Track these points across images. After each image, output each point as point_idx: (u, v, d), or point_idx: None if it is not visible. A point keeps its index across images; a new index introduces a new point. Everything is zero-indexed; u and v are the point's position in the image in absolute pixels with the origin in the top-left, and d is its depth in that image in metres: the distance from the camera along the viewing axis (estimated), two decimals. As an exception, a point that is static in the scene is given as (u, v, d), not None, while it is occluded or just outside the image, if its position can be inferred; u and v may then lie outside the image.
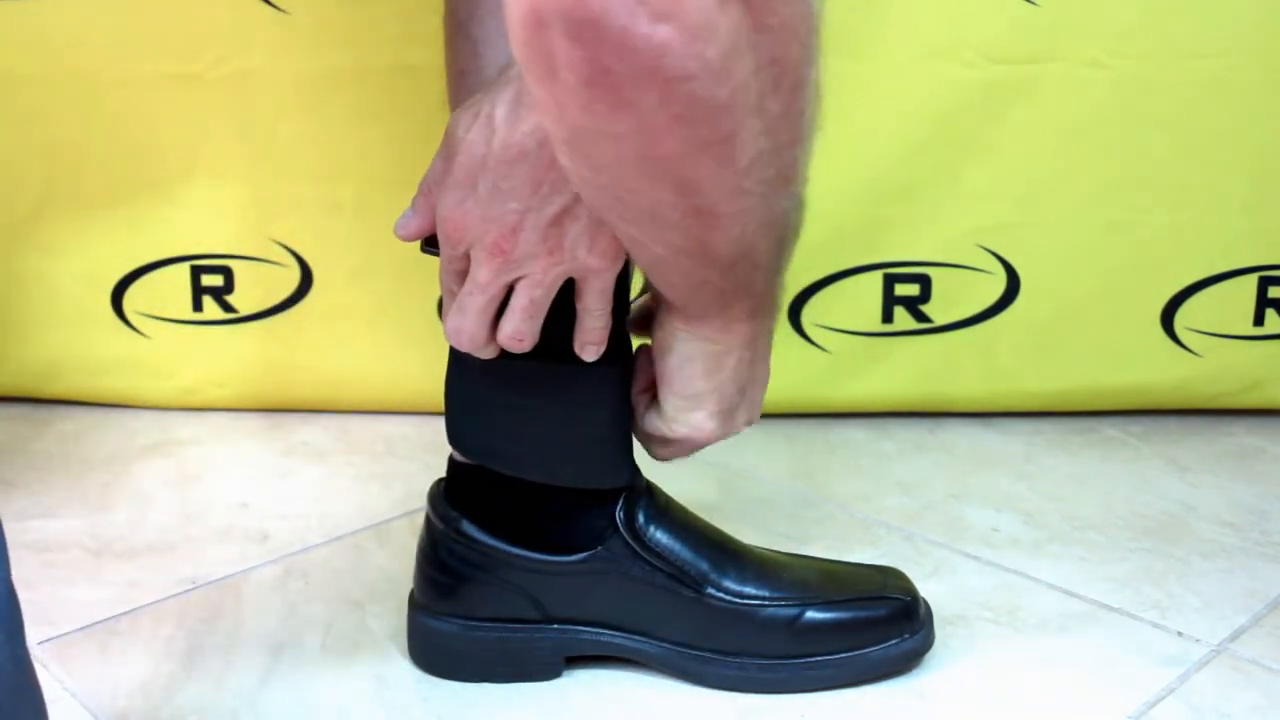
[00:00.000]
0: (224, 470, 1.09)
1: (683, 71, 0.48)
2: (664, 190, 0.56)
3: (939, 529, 0.98)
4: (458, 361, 0.75)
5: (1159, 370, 1.16)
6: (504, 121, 0.62)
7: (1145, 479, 1.07)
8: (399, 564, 0.92)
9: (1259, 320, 1.15)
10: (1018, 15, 1.06)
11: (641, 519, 0.76)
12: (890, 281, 1.14)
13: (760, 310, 0.69)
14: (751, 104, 0.52)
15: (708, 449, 1.05)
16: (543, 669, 0.79)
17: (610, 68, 0.48)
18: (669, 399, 0.72)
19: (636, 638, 0.78)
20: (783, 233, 0.64)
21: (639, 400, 0.75)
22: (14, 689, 0.53)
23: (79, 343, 1.18)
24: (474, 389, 0.75)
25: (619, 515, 0.76)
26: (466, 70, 0.72)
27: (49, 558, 0.94)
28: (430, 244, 0.73)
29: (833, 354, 1.16)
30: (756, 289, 0.67)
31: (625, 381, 0.75)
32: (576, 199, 0.62)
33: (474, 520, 0.78)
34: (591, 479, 0.76)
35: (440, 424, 0.77)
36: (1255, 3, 1.06)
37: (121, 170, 1.13)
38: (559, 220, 0.64)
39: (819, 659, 0.77)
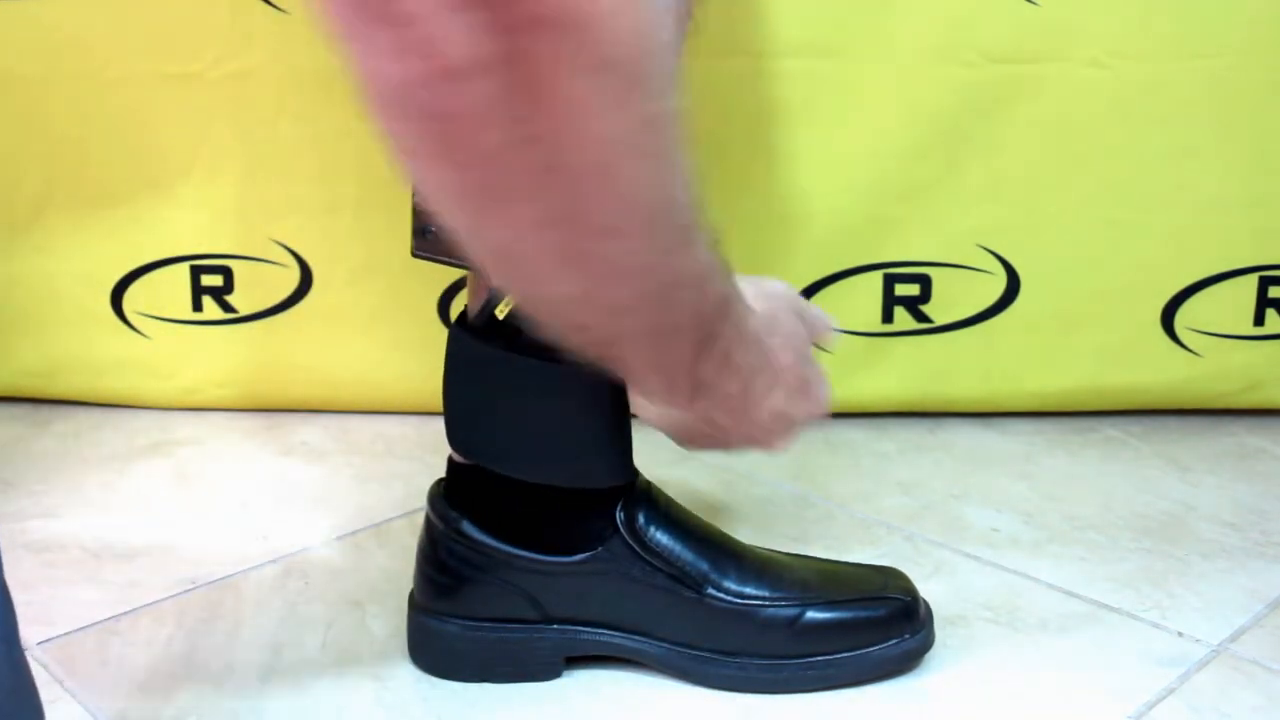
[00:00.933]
0: (224, 470, 1.09)
1: (431, 110, 0.45)
2: (499, 229, 0.51)
3: (939, 529, 0.98)
4: (456, 362, 0.75)
5: (1159, 370, 1.16)
6: None
7: (1145, 479, 1.07)
8: (399, 564, 0.92)
9: (1259, 320, 1.15)
10: (1018, 15, 1.06)
11: (642, 519, 0.76)
12: (890, 281, 1.14)
13: (701, 391, 0.67)
14: (529, 162, 0.47)
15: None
16: (543, 669, 0.79)
17: (369, 96, 0.46)
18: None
19: (636, 638, 0.78)
20: (696, 301, 0.60)
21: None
22: (11, 691, 0.53)
23: (79, 343, 1.18)
24: (472, 390, 0.75)
25: (619, 516, 0.76)
26: None
27: (49, 558, 0.94)
28: (422, 250, 0.73)
29: (833, 354, 1.15)
30: (676, 361, 0.63)
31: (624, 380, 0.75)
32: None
33: (474, 520, 0.78)
34: (591, 479, 0.76)
35: (440, 424, 0.77)
36: (1255, 3, 1.06)
37: (121, 170, 1.13)
38: None
39: (819, 659, 0.77)
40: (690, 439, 0.75)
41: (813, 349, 0.77)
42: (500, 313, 0.72)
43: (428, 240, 0.72)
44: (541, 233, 0.50)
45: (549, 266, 0.52)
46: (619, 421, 0.75)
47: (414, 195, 0.72)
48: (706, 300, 0.61)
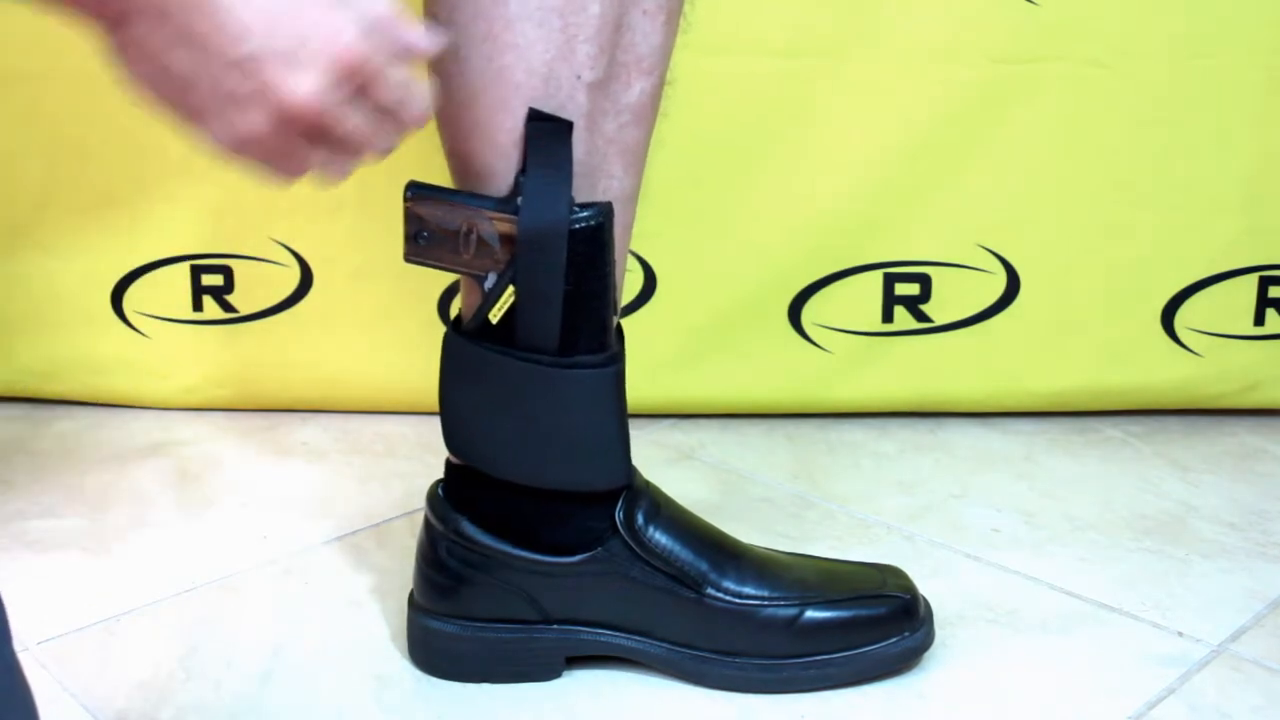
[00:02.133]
0: (224, 470, 1.09)
1: None
2: None
3: (939, 529, 0.98)
4: (450, 367, 0.75)
5: (1159, 370, 1.16)
6: None
7: (1145, 479, 1.07)
8: (399, 564, 0.92)
9: (1259, 320, 1.15)
10: (1018, 15, 1.06)
11: (641, 519, 0.76)
12: (890, 281, 1.14)
13: None
14: None
15: (710, 449, 1.04)
16: (542, 669, 0.79)
17: None
18: None
19: (636, 638, 0.78)
20: None
21: None
22: (4, 692, 0.52)
23: (79, 343, 1.18)
24: (468, 394, 0.75)
25: (618, 516, 0.76)
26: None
27: (49, 558, 0.94)
28: (414, 255, 0.73)
29: (833, 354, 1.16)
30: None
31: (620, 382, 0.74)
32: None
33: (473, 521, 0.78)
34: (588, 482, 0.76)
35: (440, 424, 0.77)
36: (1255, 3, 1.06)
37: (121, 170, 1.13)
38: None
39: (819, 658, 0.77)
40: (166, 95, 0.56)
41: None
42: (494, 316, 0.72)
43: (420, 245, 0.73)
44: None
45: None
46: (616, 424, 0.75)
47: (406, 201, 0.72)
48: None
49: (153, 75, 0.55)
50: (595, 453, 0.75)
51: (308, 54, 0.54)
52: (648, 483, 0.79)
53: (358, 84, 0.55)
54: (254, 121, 0.56)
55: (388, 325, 1.16)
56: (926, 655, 0.80)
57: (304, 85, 0.54)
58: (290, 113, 0.55)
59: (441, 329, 1.16)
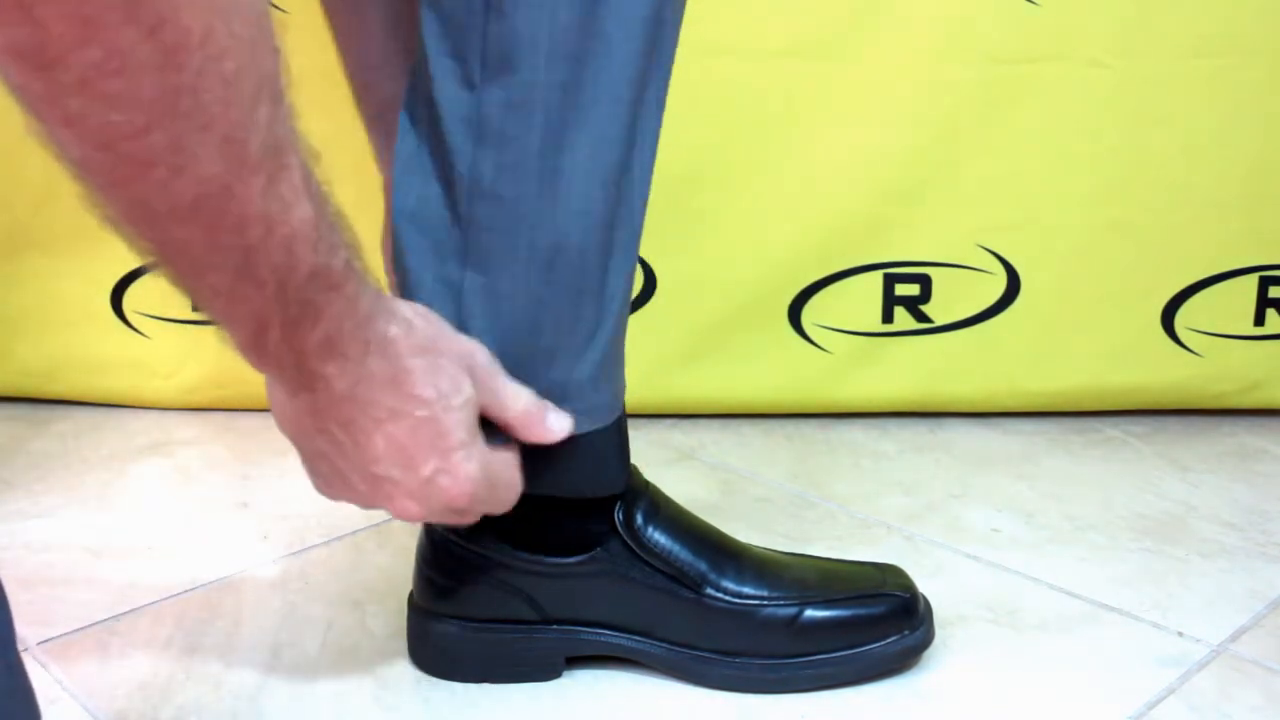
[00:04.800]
0: (224, 470, 1.09)
1: None
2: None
3: (939, 529, 0.98)
4: None
5: (1159, 370, 1.16)
6: None
7: (1145, 479, 1.07)
8: (399, 564, 0.92)
9: (1259, 320, 1.15)
10: (1018, 15, 1.06)
11: (640, 520, 0.76)
12: (890, 281, 1.14)
13: (302, 374, 0.58)
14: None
15: (710, 449, 1.04)
16: (542, 670, 0.79)
17: None
18: None
19: (636, 638, 0.78)
20: (267, 246, 0.53)
21: None
22: (7, 693, 0.53)
23: (79, 343, 1.18)
24: None
25: (618, 517, 0.76)
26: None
27: (48, 558, 0.94)
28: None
29: (833, 354, 1.16)
30: (253, 316, 0.56)
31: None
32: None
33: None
34: (580, 491, 0.75)
35: (440, 424, 0.77)
36: (1255, 3, 1.06)
37: (121, 170, 1.13)
38: None
39: (819, 658, 0.77)
40: (313, 466, 0.66)
41: (499, 450, 0.68)
42: None
43: None
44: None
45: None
46: (612, 433, 0.74)
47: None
48: (285, 252, 0.54)
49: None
50: (587, 463, 0.74)
51: (424, 494, 0.63)
52: (647, 483, 0.79)
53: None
54: (353, 499, 0.66)
55: (388, 325, 1.16)
56: (926, 655, 0.80)
57: (413, 511, 0.64)
58: (393, 515, 0.64)
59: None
